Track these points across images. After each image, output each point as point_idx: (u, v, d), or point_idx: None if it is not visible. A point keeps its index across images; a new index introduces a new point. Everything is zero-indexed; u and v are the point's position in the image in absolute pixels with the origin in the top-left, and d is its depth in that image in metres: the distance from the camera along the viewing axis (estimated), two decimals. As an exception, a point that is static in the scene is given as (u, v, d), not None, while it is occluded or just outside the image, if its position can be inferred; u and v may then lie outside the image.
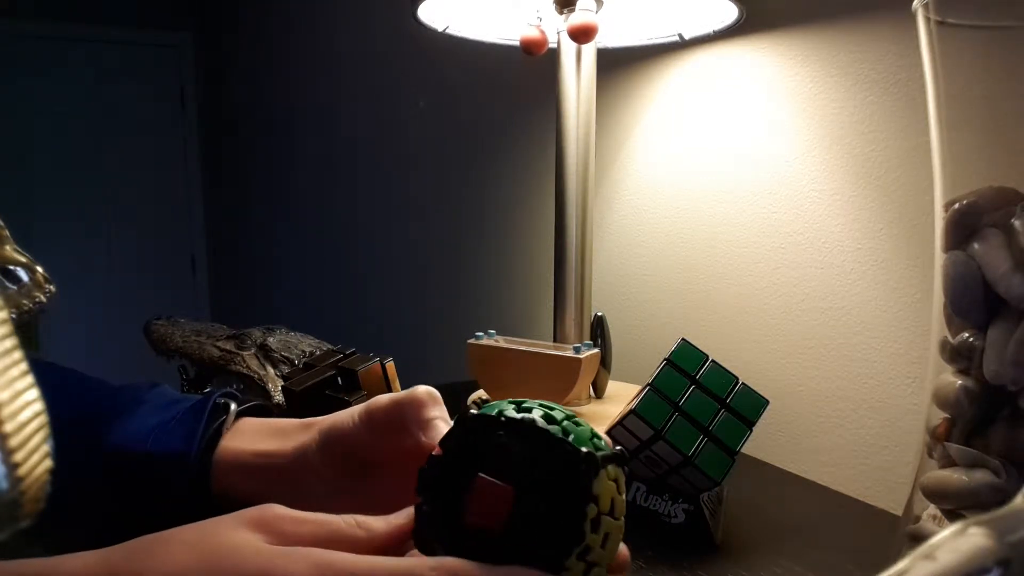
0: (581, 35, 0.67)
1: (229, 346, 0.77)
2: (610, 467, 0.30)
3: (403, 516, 0.31)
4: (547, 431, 0.29)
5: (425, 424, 0.36)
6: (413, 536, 0.30)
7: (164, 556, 0.27)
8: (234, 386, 0.75)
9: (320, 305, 2.23)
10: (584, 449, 0.29)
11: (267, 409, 0.46)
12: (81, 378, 0.46)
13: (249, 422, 0.43)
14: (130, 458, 0.40)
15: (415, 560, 0.27)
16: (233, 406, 0.43)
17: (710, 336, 0.82)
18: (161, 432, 0.41)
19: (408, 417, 0.36)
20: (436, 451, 0.31)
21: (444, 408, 0.37)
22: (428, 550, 0.30)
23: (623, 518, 0.30)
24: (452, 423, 0.32)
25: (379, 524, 0.31)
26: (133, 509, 0.41)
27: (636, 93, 0.91)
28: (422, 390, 0.37)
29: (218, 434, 0.41)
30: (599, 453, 0.29)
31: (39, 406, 0.26)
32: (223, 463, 0.40)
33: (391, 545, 0.30)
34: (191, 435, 0.41)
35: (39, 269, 0.32)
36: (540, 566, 0.28)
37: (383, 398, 0.38)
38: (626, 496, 0.52)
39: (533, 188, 1.15)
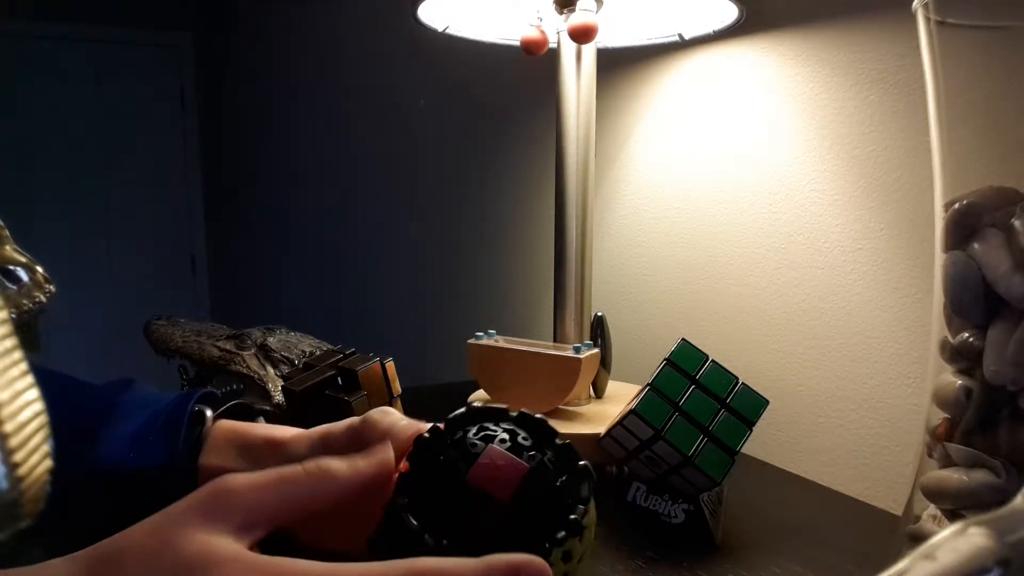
0: (581, 35, 0.67)
1: (229, 346, 0.77)
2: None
3: (371, 459, 0.30)
4: (553, 429, 0.31)
5: (385, 430, 0.34)
6: (388, 507, 0.29)
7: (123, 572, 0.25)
8: (234, 386, 0.75)
9: (320, 305, 2.23)
10: (583, 463, 0.31)
11: (252, 407, 0.45)
12: (52, 377, 0.45)
13: (218, 432, 0.41)
14: (110, 473, 0.40)
15: (381, 565, 0.26)
16: (209, 413, 0.42)
17: (710, 336, 0.82)
18: (141, 443, 0.40)
19: (369, 435, 0.35)
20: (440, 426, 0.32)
21: (400, 413, 0.37)
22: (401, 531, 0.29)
23: (586, 556, 0.30)
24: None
25: (341, 466, 0.29)
26: (119, 518, 0.40)
27: (636, 93, 0.91)
28: (374, 411, 0.36)
29: (199, 443, 0.41)
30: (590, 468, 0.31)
31: (39, 406, 0.26)
32: (205, 475, 0.40)
33: (360, 487, 0.29)
34: (172, 447, 0.40)
35: (39, 269, 0.32)
36: (530, 546, 0.27)
37: (337, 427, 0.37)
38: (626, 496, 0.52)
39: (533, 188, 1.15)
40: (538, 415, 0.32)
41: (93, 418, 0.42)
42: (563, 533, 0.28)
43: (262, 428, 0.41)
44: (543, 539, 0.28)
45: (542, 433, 0.31)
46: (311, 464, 0.29)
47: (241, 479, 0.28)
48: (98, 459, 0.40)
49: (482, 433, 0.31)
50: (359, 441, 0.35)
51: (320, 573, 0.25)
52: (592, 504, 0.30)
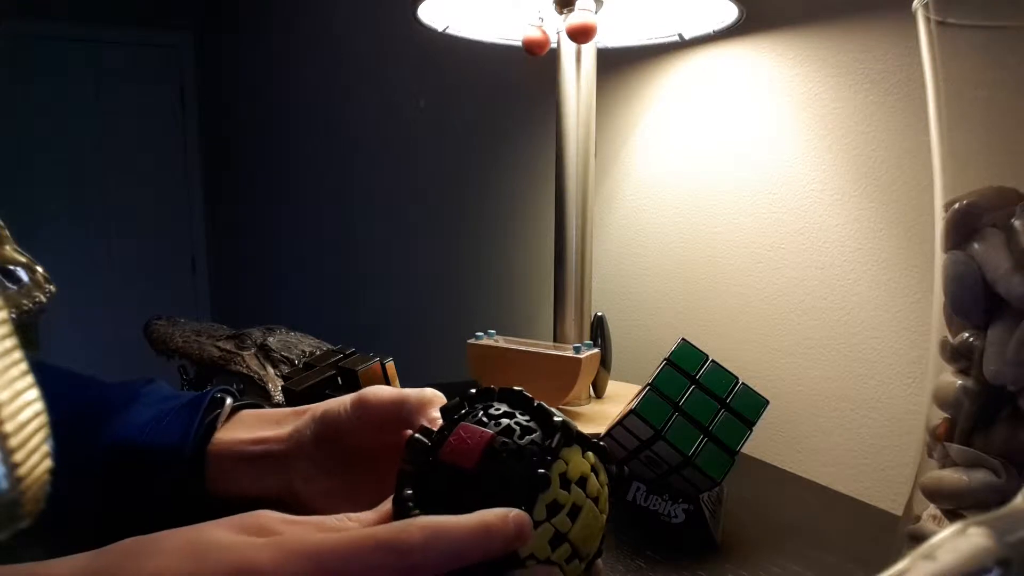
0: (580, 35, 0.67)
1: (229, 346, 0.77)
2: (589, 453, 0.32)
3: (390, 502, 0.32)
4: (532, 398, 0.33)
5: (431, 423, 0.36)
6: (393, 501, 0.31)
7: (152, 560, 0.27)
8: (234, 386, 0.75)
9: (320, 305, 2.23)
10: (559, 419, 0.31)
11: (258, 406, 0.46)
12: (73, 376, 0.46)
13: (248, 413, 0.43)
14: (126, 452, 0.41)
15: (384, 526, 0.27)
16: (229, 400, 0.44)
17: (710, 336, 0.82)
18: (157, 426, 0.41)
19: (414, 414, 0.37)
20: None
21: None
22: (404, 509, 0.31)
23: (602, 513, 0.31)
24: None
25: (370, 515, 0.31)
26: (130, 503, 0.41)
27: (636, 93, 0.91)
28: (431, 392, 0.38)
29: (213, 427, 0.42)
30: (577, 431, 0.32)
31: (39, 406, 0.26)
32: (218, 453, 0.41)
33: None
34: (187, 428, 0.41)
35: (39, 269, 0.32)
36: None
37: (384, 391, 0.38)
38: (626, 496, 0.52)
39: (533, 188, 1.15)
40: (516, 388, 0.33)
41: (113, 407, 0.43)
42: (532, 488, 0.29)
43: (284, 408, 0.43)
44: (518, 497, 0.29)
45: (519, 401, 0.33)
46: (342, 516, 0.31)
47: (278, 514, 0.30)
48: (112, 439, 0.41)
49: (464, 412, 0.33)
50: (400, 415, 0.37)
51: (333, 543, 0.27)
52: (574, 460, 0.31)
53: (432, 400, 0.37)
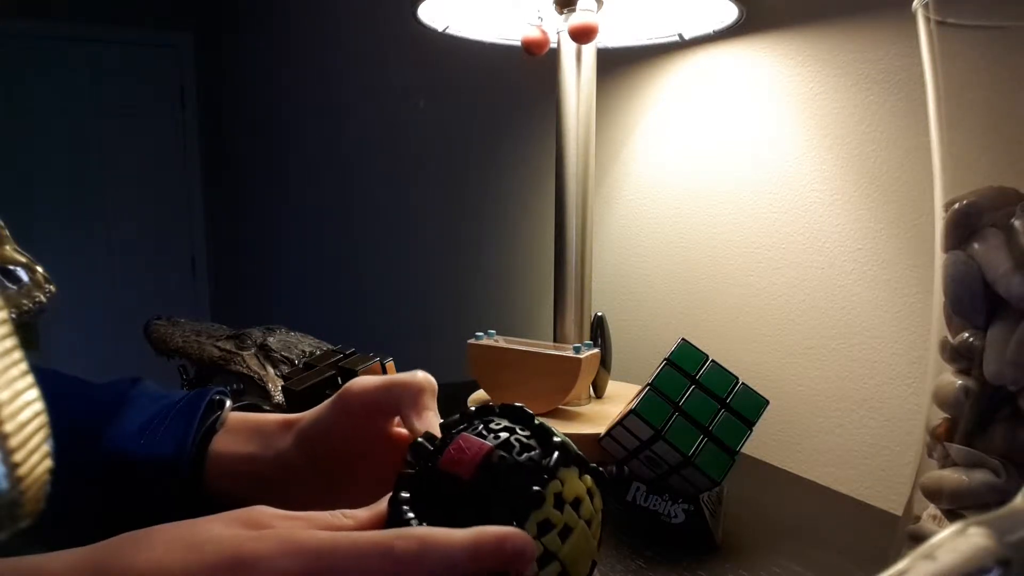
0: (582, 35, 0.67)
1: (229, 346, 0.77)
2: (586, 476, 0.32)
3: (386, 501, 0.32)
4: (533, 415, 0.32)
5: (420, 409, 0.36)
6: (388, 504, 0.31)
7: (148, 551, 0.27)
8: (234, 386, 0.75)
9: (320, 305, 2.23)
10: (559, 438, 0.31)
11: (262, 408, 0.46)
12: (58, 376, 0.45)
13: (232, 420, 0.43)
14: (121, 461, 0.40)
15: (381, 532, 0.28)
16: (228, 403, 0.43)
17: (710, 336, 0.82)
18: (150, 434, 0.41)
19: (403, 399, 0.37)
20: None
21: (435, 401, 0.38)
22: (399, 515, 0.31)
23: (594, 538, 0.31)
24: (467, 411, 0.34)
25: (364, 513, 0.31)
26: (125, 511, 0.41)
27: (636, 93, 0.91)
28: (422, 375, 0.38)
29: (209, 435, 0.41)
30: (576, 452, 0.32)
31: (39, 406, 0.26)
32: (212, 466, 0.41)
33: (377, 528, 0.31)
34: (183, 439, 0.40)
35: (39, 269, 0.32)
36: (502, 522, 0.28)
37: (370, 380, 0.38)
38: (626, 496, 0.52)
39: (533, 188, 1.15)
40: (517, 404, 0.33)
41: (103, 411, 0.42)
42: (525, 504, 0.29)
43: (275, 415, 0.43)
44: (511, 512, 0.28)
45: (520, 417, 0.33)
46: (336, 512, 0.31)
47: (274, 510, 0.30)
48: (107, 448, 0.40)
49: (464, 427, 0.33)
50: (389, 401, 0.37)
51: (331, 542, 0.27)
52: (569, 481, 0.31)
53: (422, 384, 0.37)
